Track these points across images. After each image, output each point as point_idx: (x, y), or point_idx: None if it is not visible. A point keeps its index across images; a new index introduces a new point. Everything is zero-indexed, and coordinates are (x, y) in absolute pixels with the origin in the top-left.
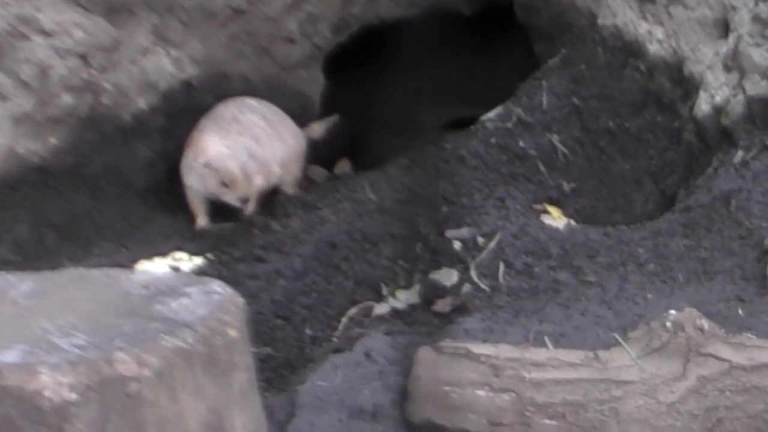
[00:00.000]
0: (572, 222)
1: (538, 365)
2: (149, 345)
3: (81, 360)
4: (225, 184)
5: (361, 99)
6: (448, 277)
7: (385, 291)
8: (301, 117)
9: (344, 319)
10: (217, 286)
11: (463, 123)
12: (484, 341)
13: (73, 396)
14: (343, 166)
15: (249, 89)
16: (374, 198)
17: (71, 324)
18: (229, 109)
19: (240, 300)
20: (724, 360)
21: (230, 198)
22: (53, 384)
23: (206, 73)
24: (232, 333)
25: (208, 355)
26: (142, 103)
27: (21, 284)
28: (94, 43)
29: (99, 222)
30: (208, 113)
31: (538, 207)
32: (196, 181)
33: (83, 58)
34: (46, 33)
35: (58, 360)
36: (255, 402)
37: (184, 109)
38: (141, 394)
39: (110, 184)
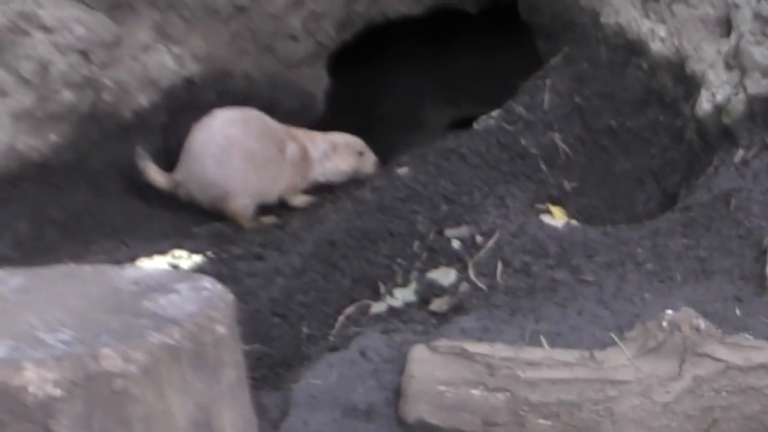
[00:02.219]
0: (572, 221)
1: (533, 364)
2: (136, 341)
3: (66, 356)
4: (362, 153)
5: (366, 97)
6: (446, 276)
7: (382, 289)
8: (304, 115)
9: (341, 318)
10: (207, 283)
11: (467, 121)
12: (480, 340)
13: (58, 392)
14: None
15: (251, 87)
16: (374, 196)
17: (58, 319)
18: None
19: (230, 296)
20: (720, 360)
21: (368, 165)
22: (38, 379)
23: (208, 70)
24: (221, 329)
25: (196, 352)
26: (143, 99)
27: (11, 280)
28: (95, 40)
29: (99, 219)
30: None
31: (541, 206)
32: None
33: (84, 54)
34: (46, 29)
35: (43, 355)
36: (244, 399)
37: (186, 106)
38: (127, 391)
39: (111, 181)
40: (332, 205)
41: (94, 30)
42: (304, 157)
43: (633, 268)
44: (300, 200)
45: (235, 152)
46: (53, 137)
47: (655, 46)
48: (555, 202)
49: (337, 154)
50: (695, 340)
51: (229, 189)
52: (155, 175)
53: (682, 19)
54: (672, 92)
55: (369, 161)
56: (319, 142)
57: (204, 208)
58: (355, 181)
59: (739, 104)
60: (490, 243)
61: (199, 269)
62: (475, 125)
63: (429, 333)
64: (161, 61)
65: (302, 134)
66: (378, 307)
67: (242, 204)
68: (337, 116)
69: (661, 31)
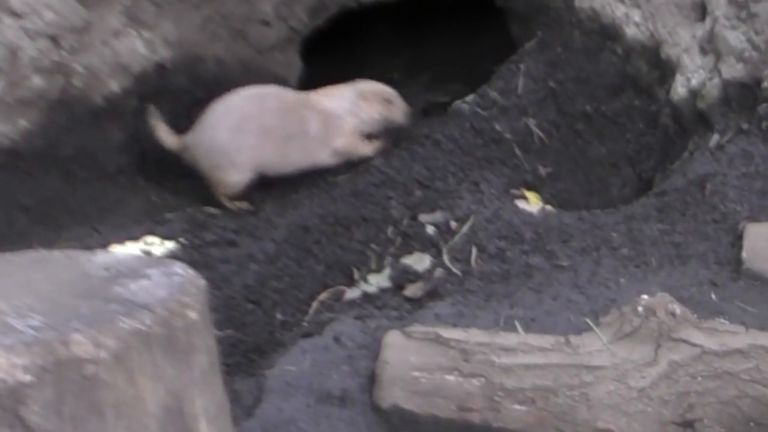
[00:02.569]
0: (547, 206)
1: (508, 350)
2: (106, 327)
3: (36, 341)
4: (389, 100)
5: (339, 83)
6: (420, 261)
7: (356, 275)
8: None
9: (315, 304)
10: (179, 268)
11: (441, 106)
12: (455, 326)
13: (28, 377)
14: None
15: (224, 72)
16: (348, 182)
17: (28, 305)
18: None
19: (202, 282)
20: (695, 345)
21: (398, 114)
22: (7, 365)
23: (179, 56)
24: (192, 315)
25: (167, 337)
26: (114, 85)
27: None
28: (64, 25)
29: (70, 205)
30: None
31: (516, 192)
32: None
33: (54, 39)
34: (15, 14)
35: (12, 341)
36: (216, 385)
37: (157, 92)
38: (98, 376)
39: (82, 167)
40: (306, 190)
41: (64, 15)
42: (326, 123)
43: (608, 253)
44: (366, 148)
45: (250, 128)
46: (23, 123)
47: (630, 31)
48: (530, 188)
49: (366, 100)
50: (671, 325)
51: (235, 160)
52: (164, 134)
53: (656, 4)
54: (647, 77)
55: (399, 110)
56: (344, 92)
57: (201, 175)
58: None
59: (714, 89)
60: (465, 228)
61: (171, 255)
62: (450, 110)
63: (403, 319)
64: (132, 46)
65: (323, 95)
66: (352, 293)
67: (236, 180)
68: None
69: (636, 16)
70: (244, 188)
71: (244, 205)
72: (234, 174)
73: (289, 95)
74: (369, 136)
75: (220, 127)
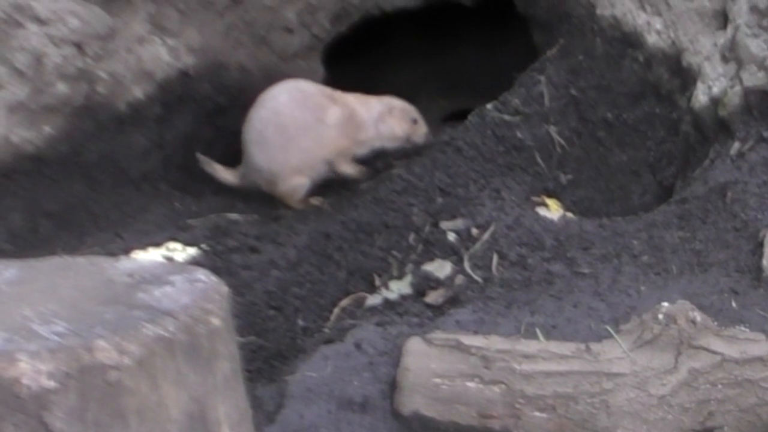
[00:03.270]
0: (568, 214)
1: (528, 357)
2: (130, 333)
3: (60, 347)
4: (415, 120)
5: (361, 90)
6: (442, 268)
7: (378, 282)
8: None
9: (336, 310)
10: (202, 275)
11: (463, 114)
12: (476, 333)
13: (52, 384)
14: None
15: (246, 79)
16: (369, 188)
17: (52, 311)
18: None
19: (225, 288)
20: (716, 353)
21: (419, 135)
22: (32, 371)
23: (203, 63)
24: (216, 321)
25: (191, 344)
26: (137, 92)
27: (4, 271)
28: (89, 32)
29: (94, 211)
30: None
31: (537, 199)
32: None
33: (78, 46)
34: (41, 21)
35: (37, 347)
36: (239, 391)
37: (180, 99)
38: (121, 383)
39: (105, 174)
40: (328, 197)
41: (89, 22)
42: (351, 119)
43: (629, 261)
44: (351, 168)
45: (268, 133)
46: (48, 129)
47: (651, 39)
48: (551, 195)
49: (393, 116)
50: (691, 333)
51: (273, 170)
52: (224, 174)
53: (678, 12)
54: (668, 85)
55: (421, 130)
56: (373, 104)
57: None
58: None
59: (735, 97)
60: (486, 235)
61: (193, 261)
62: (471, 118)
63: (424, 325)
64: (156, 53)
65: (353, 98)
66: (373, 300)
67: (291, 185)
68: None
69: (657, 24)
70: (311, 187)
71: (317, 200)
72: (294, 180)
73: (308, 88)
74: (360, 161)
75: (264, 148)
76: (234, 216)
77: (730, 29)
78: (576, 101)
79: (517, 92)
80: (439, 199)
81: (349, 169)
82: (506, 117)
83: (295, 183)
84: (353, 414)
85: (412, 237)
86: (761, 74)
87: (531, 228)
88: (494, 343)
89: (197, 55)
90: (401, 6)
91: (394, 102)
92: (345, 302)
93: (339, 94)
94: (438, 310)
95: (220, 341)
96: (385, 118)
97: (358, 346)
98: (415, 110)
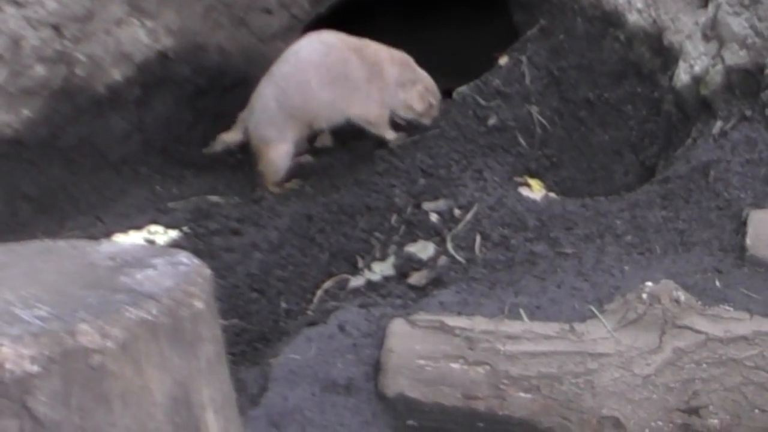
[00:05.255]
0: (551, 194)
1: (512, 338)
2: (113, 317)
3: (43, 332)
4: (433, 104)
5: None
6: (424, 249)
7: (360, 263)
8: None
9: (319, 292)
10: (184, 258)
11: (445, 94)
12: (459, 314)
13: (35, 368)
14: (324, 139)
15: (226, 60)
16: (350, 170)
17: (34, 295)
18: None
19: (207, 271)
20: (700, 332)
21: (429, 118)
22: (14, 356)
23: (182, 44)
24: (198, 304)
25: (174, 327)
26: (116, 74)
27: None
28: (67, 14)
29: (74, 195)
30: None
31: (519, 179)
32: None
33: (56, 28)
34: (18, 3)
35: (19, 332)
36: (223, 374)
37: (160, 81)
38: (104, 366)
39: (85, 157)
40: (309, 179)
41: (66, 4)
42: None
43: (612, 241)
44: (389, 134)
45: (290, 86)
46: (26, 112)
47: (632, 18)
48: (533, 175)
49: (417, 90)
50: (675, 312)
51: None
52: (226, 137)
53: None
54: (649, 64)
55: (433, 112)
56: (405, 70)
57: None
58: (332, 155)
59: (717, 75)
60: (469, 216)
61: (175, 244)
62: (452, 98)
63: (408, 307)
64: (134, 35)
65: (385, 54)
66: (356, 281)
67: (280, 153)
68: None
69: (638, 2)
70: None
71: (293, 184)
72: (276, 149)
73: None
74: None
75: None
76: (215, 198)
77: (711, 7)
78: (557, 81)
79: (498, 73)
80: (421, 180)
81: (389, 135)
82: (487, 97)
83: (281, 150)
84: (337, 396)
85: (394, 218)
86: (743, 53)
87: (513, 208)
88: (478, 324)
89: (176, 37)
90: None
91: (427, 80)
92: (328, 284)
93: (371, 48)
94: (421, 291)
95: (203, 324)
96: (408, 88)
97: (341, 328)
98: (439, 94)
